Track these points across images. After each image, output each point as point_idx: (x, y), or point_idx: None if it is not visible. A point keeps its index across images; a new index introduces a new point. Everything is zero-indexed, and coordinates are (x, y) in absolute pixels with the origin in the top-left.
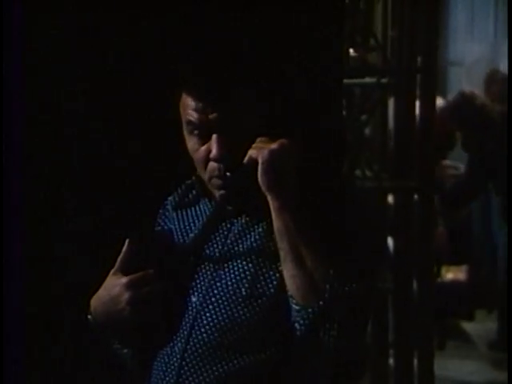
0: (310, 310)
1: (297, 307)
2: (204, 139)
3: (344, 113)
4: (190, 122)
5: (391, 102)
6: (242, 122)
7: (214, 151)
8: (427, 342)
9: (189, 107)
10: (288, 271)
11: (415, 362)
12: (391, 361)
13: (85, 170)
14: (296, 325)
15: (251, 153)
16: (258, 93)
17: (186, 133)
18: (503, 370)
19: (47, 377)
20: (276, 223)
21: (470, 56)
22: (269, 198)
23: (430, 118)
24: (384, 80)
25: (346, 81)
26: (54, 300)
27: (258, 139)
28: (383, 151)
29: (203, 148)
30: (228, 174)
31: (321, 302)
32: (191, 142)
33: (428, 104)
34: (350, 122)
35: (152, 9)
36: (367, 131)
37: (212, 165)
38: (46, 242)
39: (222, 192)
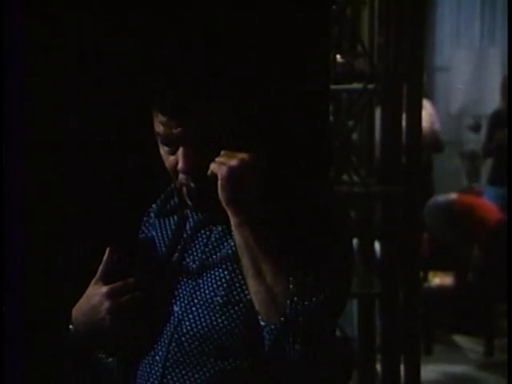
0: (272, 326)
1: (262, 323)
2: (172, 150)
3: (331, 118)
4: (158, 134)
5: (378, 108)
6: (208, 135)
7: (181, 164)
8: (414, 347)
9: (157, 119)
10: (251, 287)
11: (402, 367)
12: (378, 366)
13: (69, 174)
14: (264, 341)
15: (212, 167)
16: (224, 106)
17: (158, 140)
18: (490, 374)
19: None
20: (236, 239)
21: (456, 61)
22: (229, 213)
23: (417, 123)
24: (371, 86)
25: (333, 86)
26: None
27: (222, 152)
28: (370, 156)
29: (172, 158)
30: (192, 185)
31: (282, 318)
32: (162, 150)
33: (414, 109)
34: (337, 127)
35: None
36: (354, 136)
37: (181, 176)
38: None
39: (190, 203)
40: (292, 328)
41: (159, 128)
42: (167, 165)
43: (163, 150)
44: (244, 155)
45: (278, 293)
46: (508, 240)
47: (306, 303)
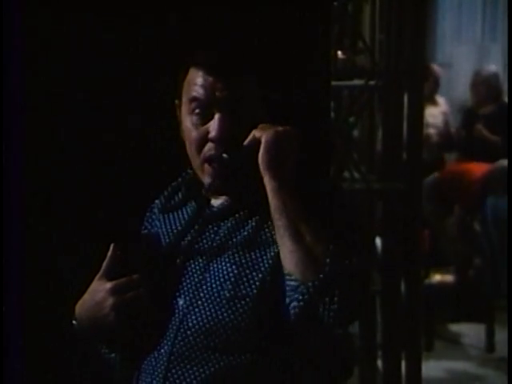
0: (310, 283)
1: (295, 283)
2: (205, 118)
3: (332, 114)
4: (194, 99)
5: (379, 104)
6: (247, 105)
7: (215, 132)
8: (415, 344)
9: (196, 84)
10: (286, 247)
11: (403, 363)
12: (379, 362)
13: (70, 172)
14: (294, 303)
15: (255, 132)
16: (263, 78)
17: (185, 112)
18: (491, 370)
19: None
20: (273, 202)
21: (457, 58)
22: (266, 178)
23: (418, 119)
24: (372, 82)
25: (334, 83)
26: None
27: (260, 125)
28: (371, 153)
29: (203, 128)
30: (225, 155)
31: (321, 275)
32: (190, 121)
33: (416, 106)
34: (338, 123)
35: None
36: (355, 133)
37: (209, 145)
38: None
39: (213, 180)
40: (330, 285)
41: (198, 92)
42: (193, 136)
43: (192, 120)
44: (286, 126)
45: (318, 252)
46: (508, 239)
47: (347, 262)
